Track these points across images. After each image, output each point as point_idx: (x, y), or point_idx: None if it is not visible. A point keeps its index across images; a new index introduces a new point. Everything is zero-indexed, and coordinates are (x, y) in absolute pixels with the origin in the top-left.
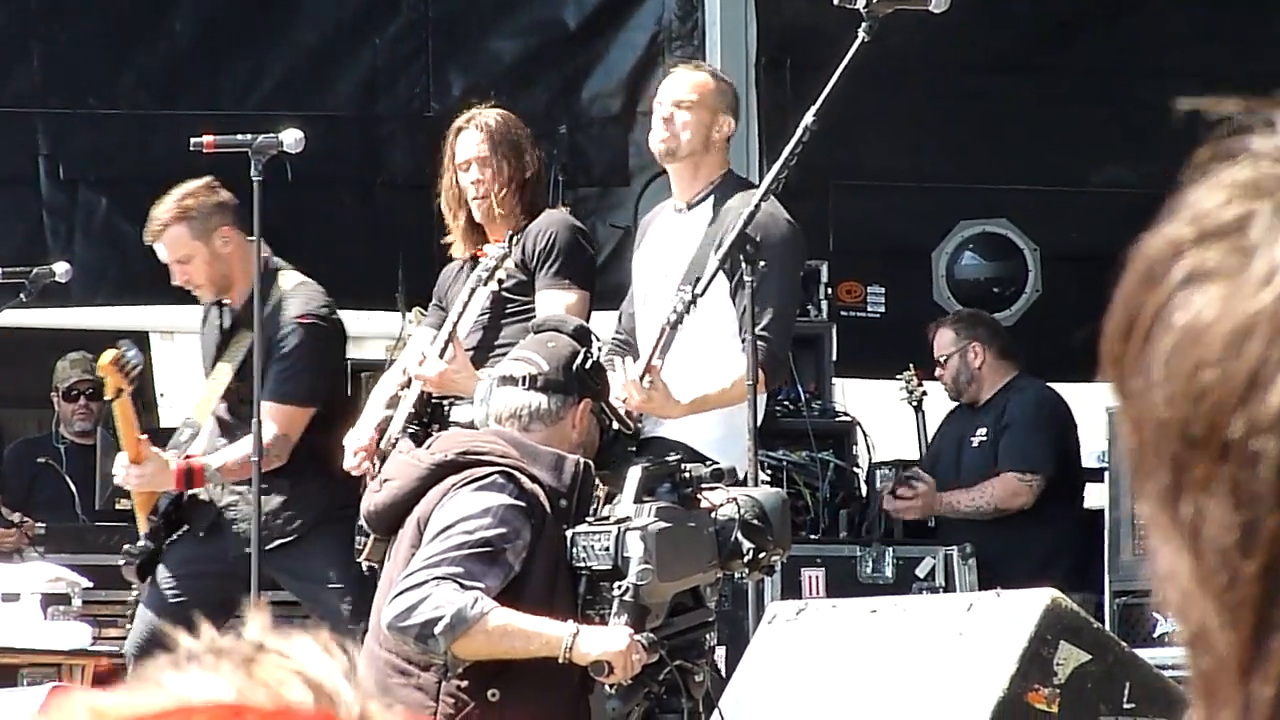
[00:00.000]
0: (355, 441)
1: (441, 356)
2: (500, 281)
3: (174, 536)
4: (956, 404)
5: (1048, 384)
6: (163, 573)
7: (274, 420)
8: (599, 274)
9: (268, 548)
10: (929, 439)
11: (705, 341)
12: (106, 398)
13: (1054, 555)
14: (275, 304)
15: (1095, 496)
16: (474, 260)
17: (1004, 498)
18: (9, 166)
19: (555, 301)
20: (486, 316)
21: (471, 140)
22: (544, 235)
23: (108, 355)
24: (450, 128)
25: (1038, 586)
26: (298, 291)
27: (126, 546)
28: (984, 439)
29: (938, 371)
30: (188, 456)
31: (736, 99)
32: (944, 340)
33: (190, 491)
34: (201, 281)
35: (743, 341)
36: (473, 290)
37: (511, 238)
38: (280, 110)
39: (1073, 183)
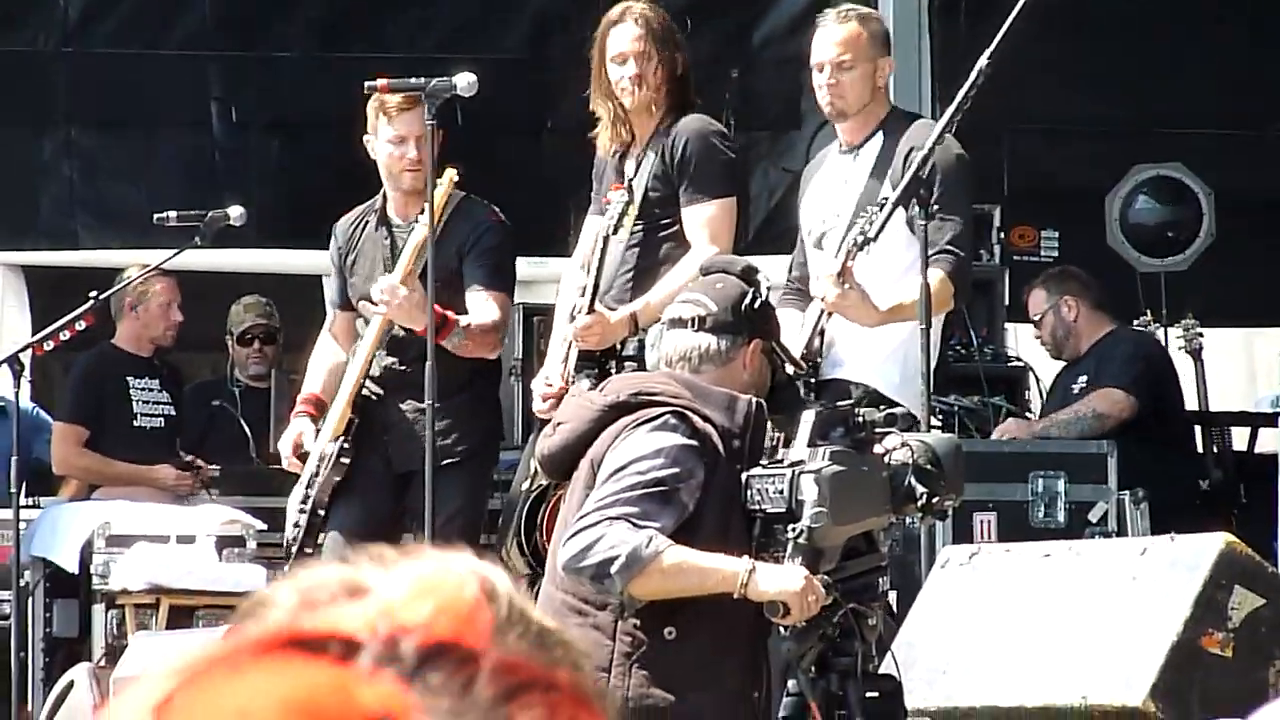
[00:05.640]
0: (544, 387)
1: (591, 311)
2: (631, 232)
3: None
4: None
5: (1146, 332)
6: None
7: (496, 304)
8: (769, 220)
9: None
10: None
11: (885, 276)
12: (438, 180)
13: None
14: (452, 212)
15: (1269, 441)
16: (622, 155)
17: (1103, 405)
18: (181, 109)
19: (696, 217)
20: (641, 234)
21: (628, 34)
22: (677, 146)
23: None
24: (602, 21)
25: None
26: (473, 201)
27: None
28: (1084, 386)
29: (1034, 333)
30: (446, 306)
31: (887, 34)
32: (1036, 300)
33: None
34: (418, 167)
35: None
36: (605, 239)
37: (630, 184)
38: (450, 54)
39: (1248, 126)
